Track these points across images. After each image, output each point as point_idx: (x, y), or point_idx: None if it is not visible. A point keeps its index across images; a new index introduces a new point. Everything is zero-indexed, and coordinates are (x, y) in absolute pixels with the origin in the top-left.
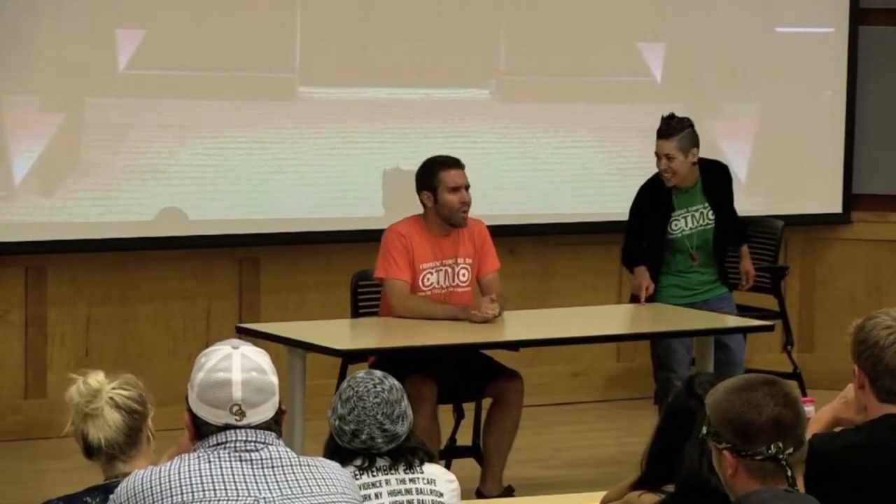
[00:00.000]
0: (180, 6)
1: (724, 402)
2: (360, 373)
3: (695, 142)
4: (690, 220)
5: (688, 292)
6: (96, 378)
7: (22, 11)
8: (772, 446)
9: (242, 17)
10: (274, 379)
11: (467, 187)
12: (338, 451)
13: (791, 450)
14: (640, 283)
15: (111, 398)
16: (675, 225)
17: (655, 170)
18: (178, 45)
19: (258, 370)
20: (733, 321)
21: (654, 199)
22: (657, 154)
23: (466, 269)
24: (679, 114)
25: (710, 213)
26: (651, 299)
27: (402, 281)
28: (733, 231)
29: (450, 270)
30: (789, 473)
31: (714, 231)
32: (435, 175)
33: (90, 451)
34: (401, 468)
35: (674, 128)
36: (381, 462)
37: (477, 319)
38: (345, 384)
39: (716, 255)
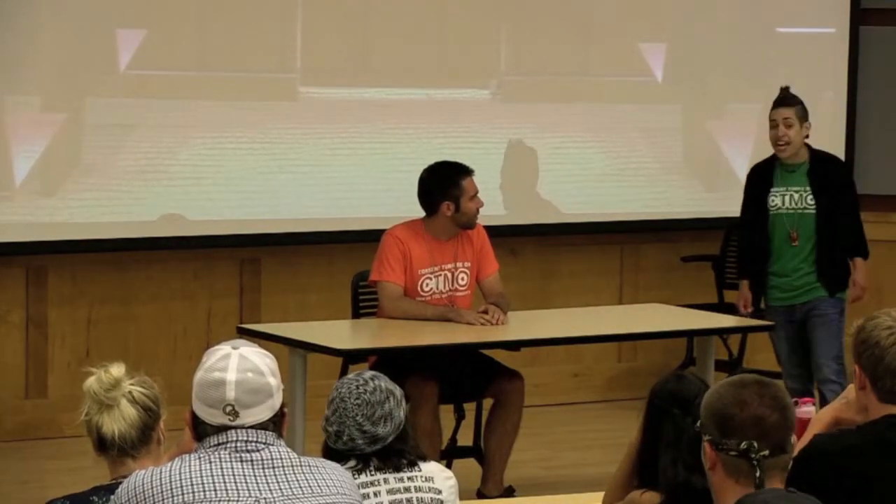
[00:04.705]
0: (180, 6)
1: (714, 394)
2: (349, 375)
3: (807, 117)
4: (788, 200)
5: (788, 294)
6: (118, 369)
7: (22, 11)
8: (744, 443)
9: (243, 17)
10: (272, 381)
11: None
12: (332, 453)
13: (766, 452)
14: (738, 299)
15: (129, 392)
16: (773, 201)
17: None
18: (178, 45)
19: (254, 371)
20: (733, 321)
21: (757, 177)
22: (774, 121)
23: (465, 272)
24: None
25: (811, 197)
26: (757, 313)
27: (393, 283)
28: (849, 236)
29: (449, 275)
30: (758, 474)
31: (816, 221)
32: (458, 184)
33: (102, 443)
34: (397, 468)
35: (793, 97)
36: (374, 463)
37: (462, 321)
38: (333, 386)
39: (819, 251)
